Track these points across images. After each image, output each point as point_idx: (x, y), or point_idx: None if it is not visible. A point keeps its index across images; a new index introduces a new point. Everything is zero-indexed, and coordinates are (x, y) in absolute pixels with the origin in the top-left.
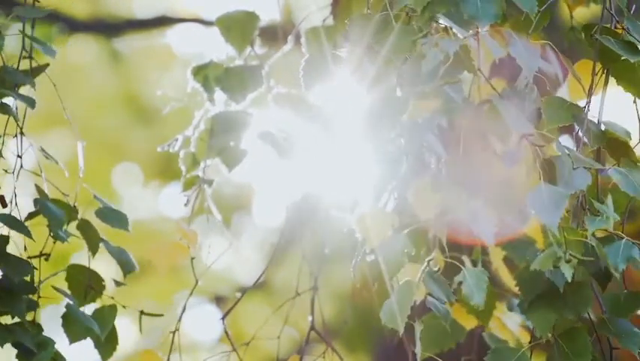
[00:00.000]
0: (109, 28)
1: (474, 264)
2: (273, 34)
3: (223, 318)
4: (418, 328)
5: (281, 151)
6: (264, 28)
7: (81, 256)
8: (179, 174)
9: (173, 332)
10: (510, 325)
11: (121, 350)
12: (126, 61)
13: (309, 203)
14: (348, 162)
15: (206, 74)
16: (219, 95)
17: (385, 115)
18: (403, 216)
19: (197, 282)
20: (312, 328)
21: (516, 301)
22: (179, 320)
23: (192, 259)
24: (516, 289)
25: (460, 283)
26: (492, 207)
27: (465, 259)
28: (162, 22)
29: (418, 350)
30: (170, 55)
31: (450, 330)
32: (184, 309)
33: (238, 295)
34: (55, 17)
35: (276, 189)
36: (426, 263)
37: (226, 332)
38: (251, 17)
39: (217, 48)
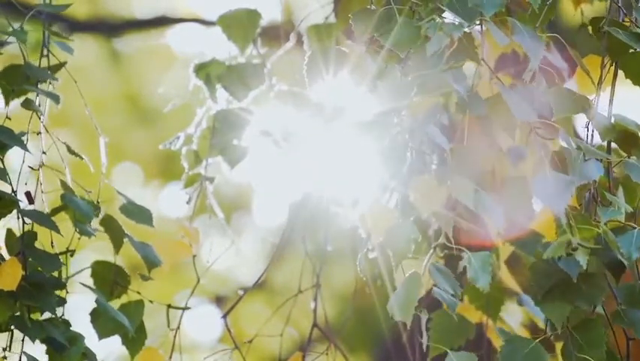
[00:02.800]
0: (109, 28)
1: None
2: (275, 32)
3: (224, 316)
4: (424, 318)
5: (283, 149)
6: (266, 26)
7: (85, 253)
8: (179, 174)
9: (175, 330)
10: (510, 322)
11: (121, 350)
12: (126, 61)
13: (311, 200)
14: (350, 159)
15: (209, 72)
16: (221, 92)
17: (390, 100)
18: (405, 213)
19: (198, 280)
20: (315, 324)
21: (525, 297)
22: (181, 318)
23: (194, 256)
24: (517, 288)
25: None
26: (501, 203)
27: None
28: (162, 22)
29: (425, 340)
30: (170, 55)
31: (459, 327)
32: (185, 308)
33: (240, 292)
34: (55, 17)
35: (277, 187)
36: (431, 251)
37: (228, 330)
38: (253, 15)
39: (217, 48)
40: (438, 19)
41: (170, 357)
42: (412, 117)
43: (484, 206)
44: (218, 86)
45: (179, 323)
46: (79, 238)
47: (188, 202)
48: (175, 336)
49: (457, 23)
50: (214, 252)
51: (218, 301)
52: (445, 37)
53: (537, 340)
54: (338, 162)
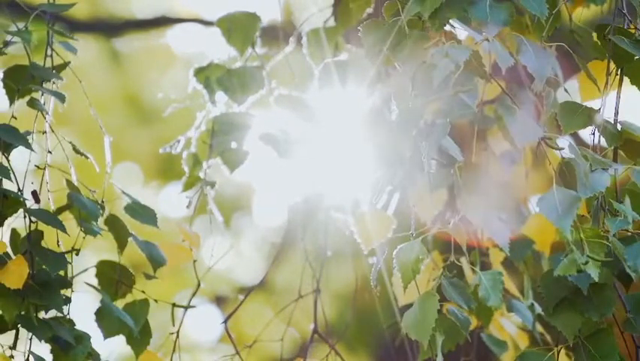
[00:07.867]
0: (109, 28)
1: (472, 265)
2: (274, 36)
3: (225, 322)
4: (440, 339)
5: (282, 152)
6: (265, 29)
7: (86, 253)
8: (179, 175)
9: (176, 333)
10: (508, 327)
11: (123, 350)
12: (126, 61)
13: (310, 204)
14: (349, 163)
15: (208, 76)
16: (221, 96)
17: (400, 127)
18: (404, 218)
19: (199, 284)
20: (316, 331)
21: (515, 303)
22: (181, 321)
23: (194, 261)
24: (514, 291)
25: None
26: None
27: (464, 260)
28: (162, 22)
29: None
30: (170, 55)
31: (450, 331)
32: (186, 310)
33: (240, 297)
34: (55, 17)
35: (278, 190)
36: (444, 268)
37: (229, 335)
38: (252, 18)
39: (217, 48)
40: (445, 46)
41: (171, 359)
42: (428, 127)
43: (490, 222)
44: (217, 89)
45: (180, 325)
46: (84, 238)
47: (188, 206)
48: (176, 338)
49: (461, 44)
50: (215, 253)
51: (219, 301)
52: (450, 64)
53: (551, 353)
54: (337, 166)
